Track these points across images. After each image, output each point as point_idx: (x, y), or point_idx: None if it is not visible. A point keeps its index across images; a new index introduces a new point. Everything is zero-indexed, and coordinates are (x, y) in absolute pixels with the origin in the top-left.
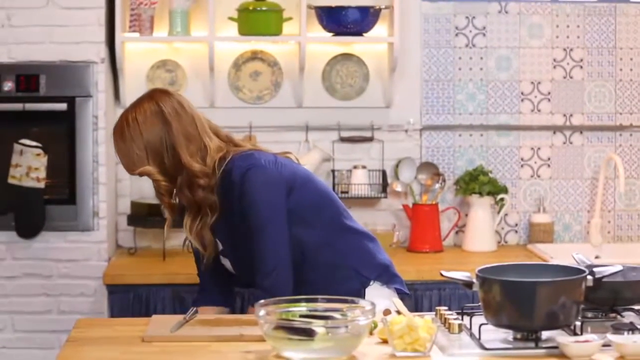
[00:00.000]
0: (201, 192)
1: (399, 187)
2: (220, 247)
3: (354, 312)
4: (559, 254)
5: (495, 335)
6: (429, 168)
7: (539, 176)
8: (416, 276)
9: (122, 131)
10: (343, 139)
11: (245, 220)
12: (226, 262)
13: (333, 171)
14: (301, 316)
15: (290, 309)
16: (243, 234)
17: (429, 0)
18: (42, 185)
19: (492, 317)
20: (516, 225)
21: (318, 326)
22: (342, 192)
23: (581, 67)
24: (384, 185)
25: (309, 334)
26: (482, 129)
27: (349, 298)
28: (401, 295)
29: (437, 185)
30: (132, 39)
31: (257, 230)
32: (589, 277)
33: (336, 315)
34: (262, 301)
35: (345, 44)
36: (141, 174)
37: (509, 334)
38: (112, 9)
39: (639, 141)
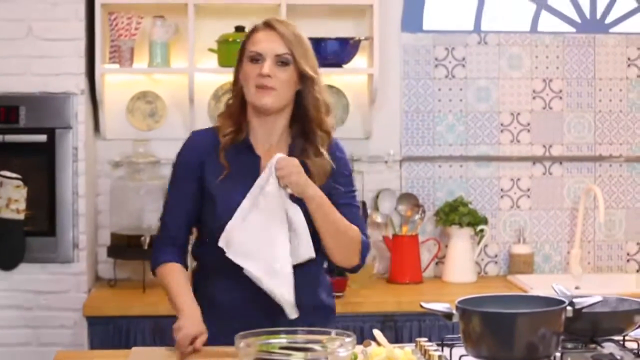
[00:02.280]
0: None
1: (378, 218)
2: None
3: (333, 344)
4: (539, 284)
5: None
6: (409, 199)
7: (518, 207)
8: (396, 307)
9: (302, 36)
10: None
11: None
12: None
13: None
14: (281, 348)
15: (270, 340)
16: None
17: (408, 32)
18: (21, 216)
19: (472, 349)
20: (496, 256)
21: (298, 358)
22: None
23: (560, 97)
24: (364, 217)
25: None
26: (462, 160)
27: (329, 330)
28: None
29: (417, 216)
30: (112, 71)
31: None
32: (569, 307)
33: (316, 347)
34: (241, 333)
35: (325, 75)
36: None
37: None
38: (92, 41)
39: (619, 172)
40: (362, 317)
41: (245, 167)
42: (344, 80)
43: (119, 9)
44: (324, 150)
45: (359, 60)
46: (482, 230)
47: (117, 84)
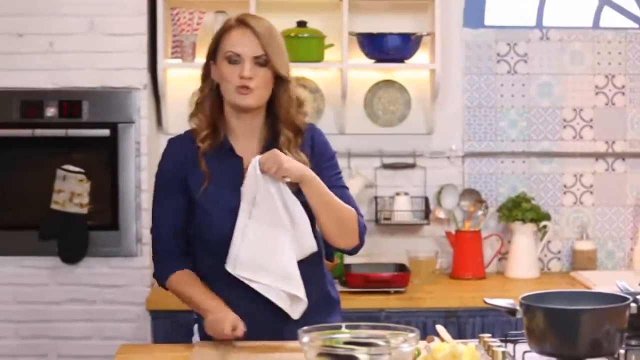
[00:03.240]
0: None
1: (441, 214)
2: None
3: (397, 339)
4: (602, 281)
5: None
6: (472, 195)
7: (581, 203)
8: (459, 303)
9: (276, 33)
10: (385, 166)
11: None
12: None
13: (375, 198)
14: (345, 343)
15: (334, 335)
16: None
17: (470, 27)
18: (85, 210)
19: (536, 345)
20: (559, 252)
21: (361, 353)
22: (384, 219)
23: (623, 93)
24: (427, 212)
25: None
26: (525, 156)
27: (392, 325)
28: None
29: (480, 212)
30: (174, 65)
31: None
32: (633, 304)
33: (379, 342)
34: (304, 328)
35: (387, 71)
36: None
37: None
38: (154, 36)
39: None
40: (424, 313)
41: (229, 170)
42: (406, 75)
43: (181, 4)
44: (294, 148)
45: (421, 55)
46: (545, 227)
47: (180, 79)
